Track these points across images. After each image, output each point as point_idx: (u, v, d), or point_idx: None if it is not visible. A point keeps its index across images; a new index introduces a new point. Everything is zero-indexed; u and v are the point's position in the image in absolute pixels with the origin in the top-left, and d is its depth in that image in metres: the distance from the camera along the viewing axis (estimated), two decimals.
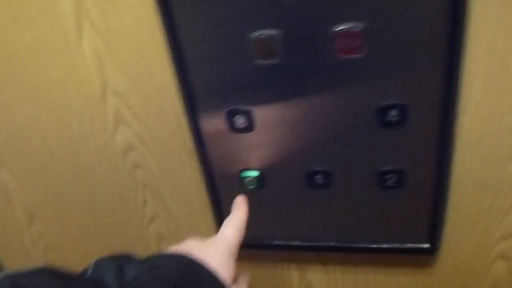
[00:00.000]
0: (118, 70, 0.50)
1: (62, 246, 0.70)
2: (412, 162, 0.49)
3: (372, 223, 0.55)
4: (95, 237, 0.67)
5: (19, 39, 0.51)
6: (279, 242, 0.59)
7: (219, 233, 0.45)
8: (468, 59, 0.41)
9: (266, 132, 0.50)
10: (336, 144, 0.49)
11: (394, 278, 0.61)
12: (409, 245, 0.55)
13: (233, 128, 0.50)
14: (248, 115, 0.49)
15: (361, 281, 0.62)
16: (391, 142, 0.47)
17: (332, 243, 0.58)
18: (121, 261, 0.34)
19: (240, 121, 0.49)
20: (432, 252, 0.55)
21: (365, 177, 0.51)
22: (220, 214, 0.58)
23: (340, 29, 0.41)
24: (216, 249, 0.41)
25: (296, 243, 0.59)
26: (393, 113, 0.45)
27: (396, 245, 0.56)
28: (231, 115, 0.49)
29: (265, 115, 0.49)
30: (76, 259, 0.70)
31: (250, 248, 0.60)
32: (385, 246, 0.56)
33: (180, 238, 0.45)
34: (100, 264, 0.35)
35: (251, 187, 0.54)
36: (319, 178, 0.52)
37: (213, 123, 0.51)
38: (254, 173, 0.53)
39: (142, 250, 0.66)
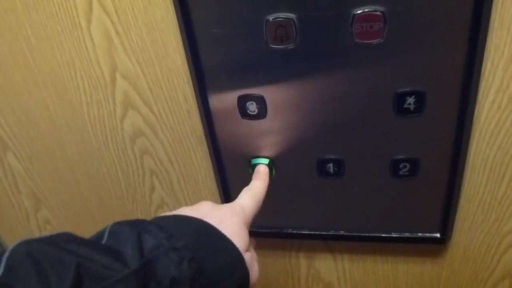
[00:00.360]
0: (128, 53, 0.49)
1: None
2: (427, 150, 0.48)
3: (383, 212, 0.54)
4: (101, 224, 0.67)
5: (27, 20, 0.49)
6: (288, 231, 0.59)
7: (236, 200, 0.45)
8: (491, 44, 0.40)
9: (278, 119, 0.49)
10: (349, 132, 0.48)
11: (403, 267, 0.60)
12: (419, 235, 0.55)
13: (244, 114, 0.49)
14: (260, 101, 0.48)
15: (369, 270, 0.62)
16: (407, 130, 0.46)
17: (342, 232, 0.57)
18: (139, 230, 0.34)
19: (252, 107, 0.49)
20: (442, 241, 0.55)
21: (378, 166, 0.50)
22: (229, 201, 0.57)
23: (359, 13, 0.40)
24: (232, 217, 0.41)
25: (305, 231, 0.58)
26: (411, 100, 0.44)
27: (407, 234, 0.55)
28: (243, 100, 0.48)
29: (278, 101, 0.48)
30: None
31: (259, 236, 0.59)
32: (395, 235, 0.56)
33: None
34: (116, 231, 0.35)
35: None
36: (330, 167, 0.51)
37: (224, 109, 0.50)
38: (264, 160, 0.52)
39: None
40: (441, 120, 0.45)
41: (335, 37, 0.42)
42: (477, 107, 0.44)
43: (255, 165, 0.52)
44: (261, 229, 0.58)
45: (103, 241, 0.34)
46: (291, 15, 0.41)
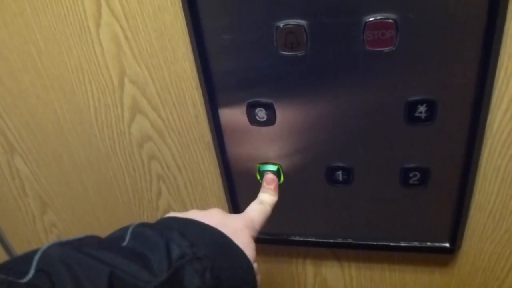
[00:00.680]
0: (136, 58, 0.49)
1: (74, 236, 0.69)
2: (438, 159, 0.47)
3: (391, 221, 0.54)
4: (107, 228, 0.67)
5: (35, 24, 0.49)
6: (296, 238, 0.58)
7: (246, 212, 0.45)
8: (505, 52, 0.40)
9: (287, 126, 0.49)
10: (359, 139, 0.48)
11: (411, 276, 0.60)
12: (428, 244, 0.54)
13: (253, 120, 0.49)
14: (269, 107, 0.47)
15: (376, 278, 0.61)
16: (418, 138, 0.46)
17: (349, 240, 0.57)
18: (166, 238, 0.34)
19: (261, 113, 0.48)
20: (452, 251, 0.54)
21: (388, 175, 0.50)
22: (236, 208, 0.57)
23: (371, 20, 0.39)
24: (243, 229, 0.41)
25: (313, 239, 0.58)
26: (422, 108, 0.43)
27: (415, 244, 0.55)
28: (252, 107, 0.48)
29: (287, 108, 0.47)
30: None
31: (266, 243, 0.59)
32: (404, 244, 0.55)
33: None
34: (141, 234, 0.35)
35: None
36: (339, 174, 0.51)
37: (233, 115, 0.49)
38: (273, 167, 0.52)
39: None
40: (453, 129, 0.45)
41: (346, 45, 0.41)
42: (490, 116, 0.44)
43: (263, 172, 0.52)
44: (268, 236, 0.58)
45: (125, 243, 0.34)
46: (302, 22, 0.41)
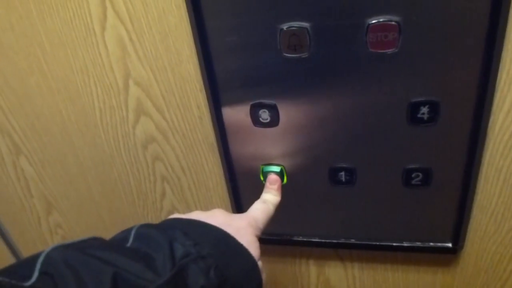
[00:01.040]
0: (141, 60, 0.49)
1: (78, 237, 0.70)
2: (440, 160, 0.47)
3: (394, 221, 0.54)
4: (111, 229, 0.67)
5: (41, 26, 0.50)
6: (299, 238, 0.59)
7: (249, 212, 0.46)
8: (507, 55, 0.40)
9: (290, 127, 0.49)
10: (362, 140, 0.48)
11: (414, 276, 0.60)
12: (431, 244, 0.55)
13: (257, 122, 0.49)
14: (273, 109, 0.48)
15: (379, 278, 0.62)
16: (420, 139, 0.46)
17: (352, 241, 0.57)
18: (170, 238, 0.35)
19: (264, 115, 0.49)
20: (454, 251, 0.54)
21: (390, 175, 0.50)
22: (240, 209, 0.58)
23: (374, 22, 0.40)
24: (247, 227, 0.42)
25: (316, 239, 0.58)
26: (424, 109, 0.44)
27: (418, 244, 0.55)
28: (255, 108, 0.48)
29: (290, 109, 0.48)
30: None
31: (269, 243, 0.59)
32: (406, 244, 0.55)
33: None
34: (144, 235, 0.35)
35: None
36: (342, 175, 0.51)
37: (237, 116, 0.50)
38: (276, 168, 0.52)
39: None
40: (455, 130, 0.45)
41: (349, 47, 0.42)
42: (492, 117, 0.44)
43: (267, 172, 0.52)
44: (271, 236, 0.58)
45: (129, 243, 0.34)
46: (305, 24, 0.41)
